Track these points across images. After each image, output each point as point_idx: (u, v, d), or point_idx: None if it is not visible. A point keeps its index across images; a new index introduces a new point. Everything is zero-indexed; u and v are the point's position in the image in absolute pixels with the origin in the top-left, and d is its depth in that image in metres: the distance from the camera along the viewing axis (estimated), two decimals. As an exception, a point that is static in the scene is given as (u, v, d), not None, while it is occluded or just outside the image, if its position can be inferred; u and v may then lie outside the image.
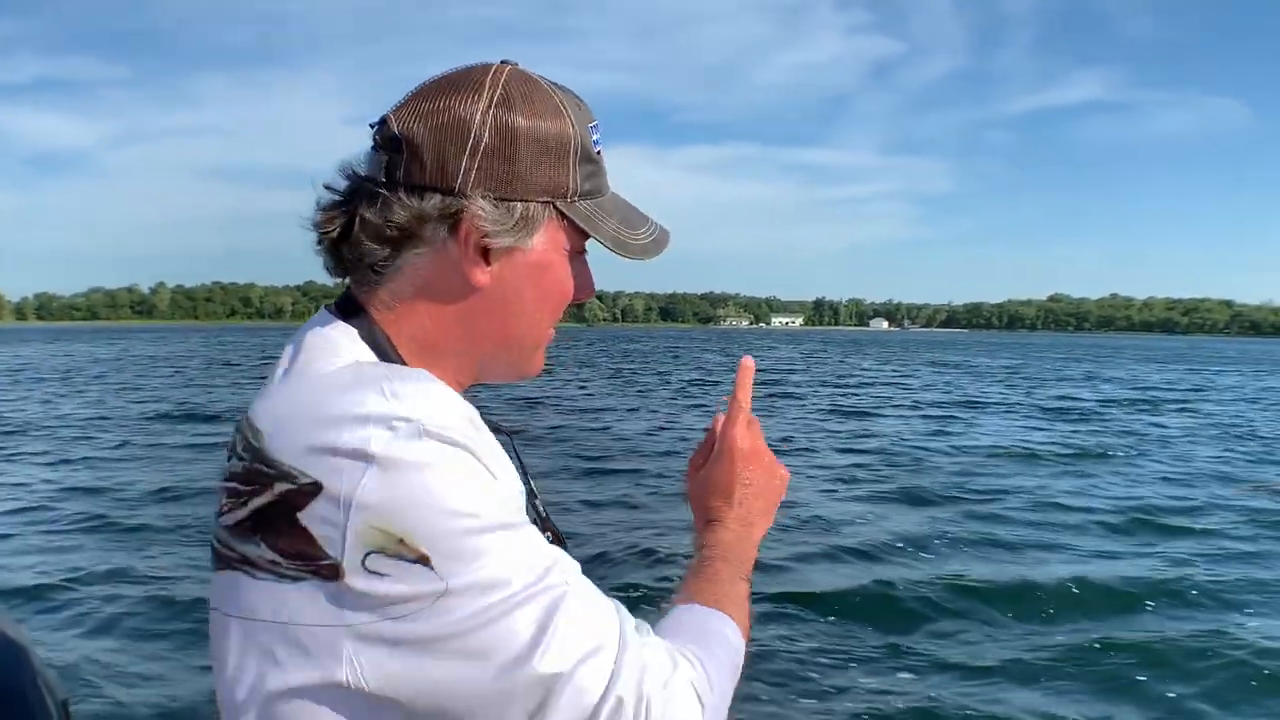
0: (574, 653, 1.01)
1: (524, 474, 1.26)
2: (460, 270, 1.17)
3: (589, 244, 1.27)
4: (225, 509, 1.07)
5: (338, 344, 1.17)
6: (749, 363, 1.48)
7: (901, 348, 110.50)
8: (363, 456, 0.99)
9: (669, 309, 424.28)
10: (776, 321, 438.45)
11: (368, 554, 0.98)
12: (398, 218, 1.14)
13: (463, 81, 1.17)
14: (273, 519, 1.02)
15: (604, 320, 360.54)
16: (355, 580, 0.98)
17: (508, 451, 1.17)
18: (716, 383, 38.78)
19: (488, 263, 1.18)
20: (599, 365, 51.64)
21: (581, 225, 1.21)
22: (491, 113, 1.14)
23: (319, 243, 1.21)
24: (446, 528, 0.99)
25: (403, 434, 1.00)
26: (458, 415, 1.06)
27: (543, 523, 1.30)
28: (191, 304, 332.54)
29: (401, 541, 0.98)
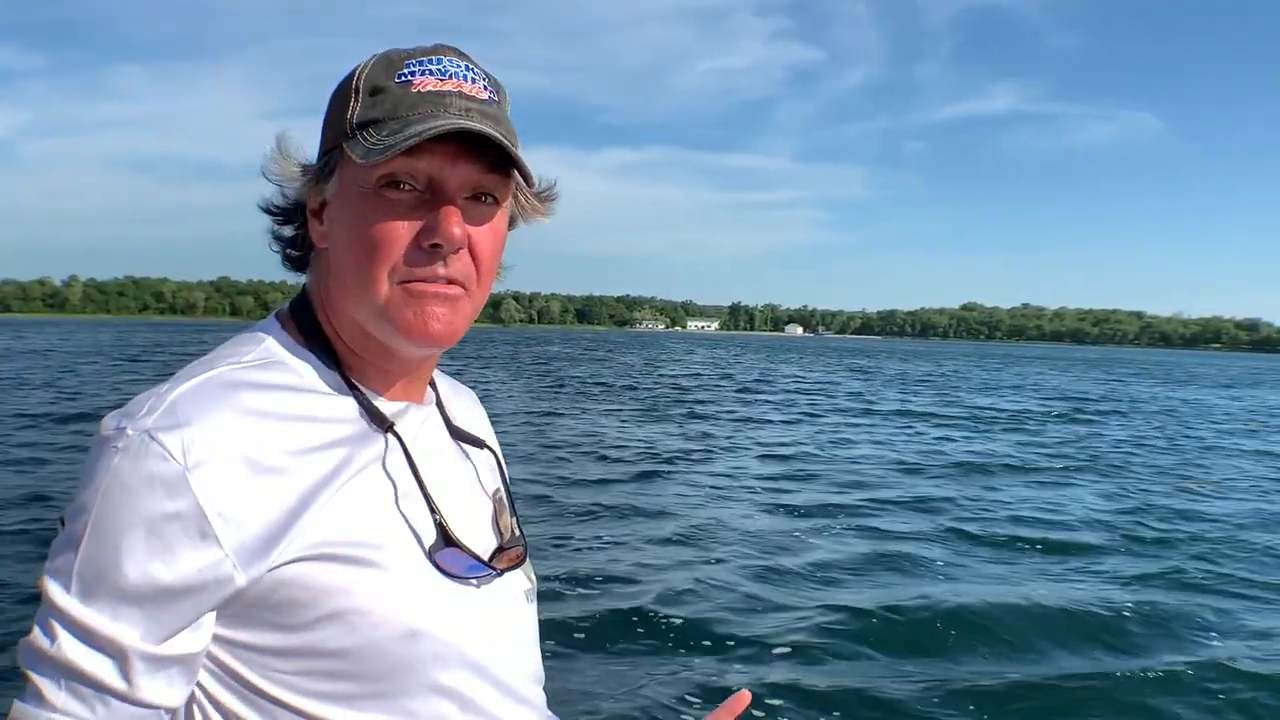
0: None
1: (504, 479, 1.42)
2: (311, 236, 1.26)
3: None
4: None
5: (252, 335, 1.25)
6: (746, 697, 1.45)
7: (816, 353, 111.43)
8: (99, 429, 1.09)
9: (585, 311, 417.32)
10: (692, 325, 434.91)
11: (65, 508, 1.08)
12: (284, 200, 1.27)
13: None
14: None
15: (520, 321, 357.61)
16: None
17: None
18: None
19: (320, 222, 1.24)
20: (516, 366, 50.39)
21: (351, 153, 1.17)
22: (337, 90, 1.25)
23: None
24: (77, 527, 1.05)
25: (115, 430, 1.07)
26: (198, 457, 1.05)
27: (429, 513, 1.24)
28: (104, 298, 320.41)
29: (70, 502, 1.07)
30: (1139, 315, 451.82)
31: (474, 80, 1.22)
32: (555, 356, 66.42)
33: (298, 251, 1.32)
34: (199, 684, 1.13)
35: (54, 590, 1.04)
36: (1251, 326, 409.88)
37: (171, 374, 1.17)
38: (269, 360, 1.20)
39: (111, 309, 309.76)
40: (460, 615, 1.22)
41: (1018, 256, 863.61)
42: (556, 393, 32.17)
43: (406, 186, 1.18)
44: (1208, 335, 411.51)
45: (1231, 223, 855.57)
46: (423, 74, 1.19)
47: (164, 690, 1.06)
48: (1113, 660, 7.39)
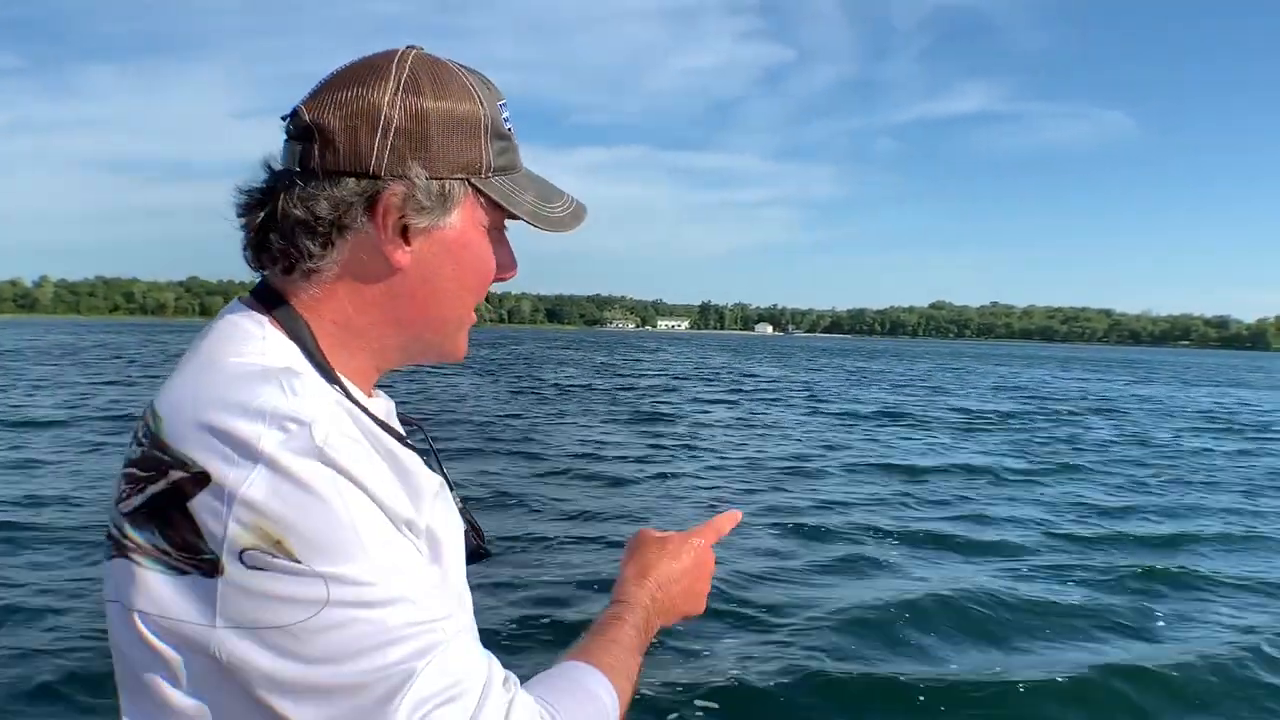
0: (434, 698, 1.01)
1: (440, 466, 1.30)
2: (381, 252, 1.17)
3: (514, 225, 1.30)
4: (124, 495, 1.06)
5: (248, 331, 1.16)
6: (738, 515, 1.62)
7: (788, 353, 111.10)
8: (252, 452, 0.99)
9: (556, 310, 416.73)
10: (663, 324, 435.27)
11: (244, 550, 0.98)
12: (321, 209, 1.14)
13: (370, 68, 1.18)
14: (165, 507, 1.01)
15: (490, 321, 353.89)
16: (233, 575, 0.98)
17: (424, 447, 1.24)
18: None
19: (408, 243, 1.18)
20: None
21: (498, 200, 1.21)
22: (400, 95, 1.15)
23: (245, 235, 1.21)
24: (328, 541, 0.98)
25: (295, 440, 1.00)
26: (351, 436, 1.05)
27: (460, 513, 1.30)
28: (75, 298, 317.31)
29: (279, 543, 0.97)
30: (1108, 313, 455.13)
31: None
32: (529, 357, 65.88)
33: (278, 245, 1.17)
34: (227, 694, 1.03)
35: (387, 614, 1.00)
36: (1221, 323, 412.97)
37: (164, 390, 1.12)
38: (294, 369, 1.13)
39: (82, 309, 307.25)
40: (469, 612, 1.25)
41: (987, 255, 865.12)
42: (531, 394, 32.01)
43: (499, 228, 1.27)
44: (1177, 332, 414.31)
45: (1201, 220, 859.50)
46: (510, 123, 1.25)
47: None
48: (1012, 656, 7.48)
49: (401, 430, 1.25)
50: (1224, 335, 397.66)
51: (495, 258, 1.25)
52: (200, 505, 0.99)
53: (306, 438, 1.00)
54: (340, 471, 1.00)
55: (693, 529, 1.55)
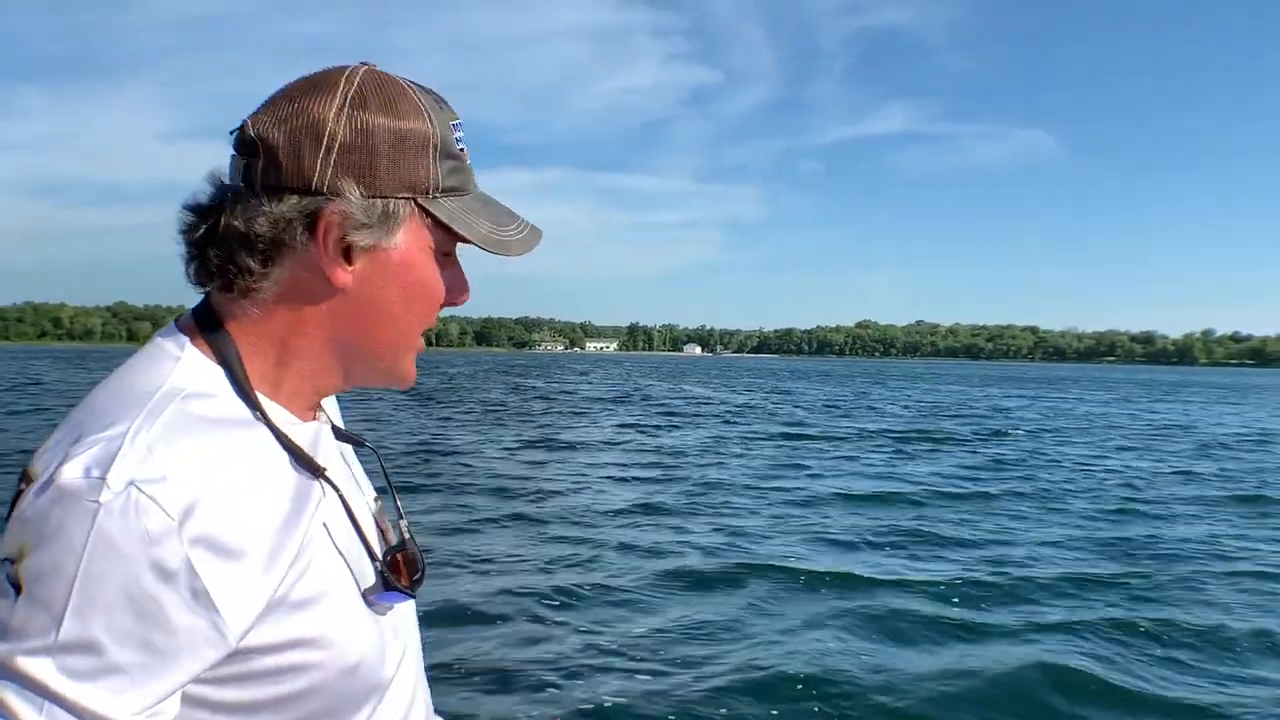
0: None
1: (390, 488, 1.36)
2: (321, 272, 1.15)
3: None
4: None
5: (165, 353, 1.15)
6: None
7: (720, 371, 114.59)
8: (53, 478, 0.99)
9: (484, 333, 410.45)
10: (591, 346, 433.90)
11: (3, 559, 0.98)
12: (260, 226, 1.12)
13: (318, 83, 1.16)
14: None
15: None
16: None
17: (339, 479, 1.21)
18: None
19: (350, 262, 1.16)
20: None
21: (446, 222, 1.18)
22: (346, 111, 1.13)
23: (186, 251, 1.18)
24: (46, 594, 0.95)
25: (87, 486, 0.97)
26: (164, 515, 0.98)
27: (398, 545, 1.29)
28: (4, 324, 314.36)
29: (17, 561, 0.96)
30: (1033, 330, 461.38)
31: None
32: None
33: (216, 260, 1.15)
34: None
35: (35, 669, 0.94)
36: (1146, 339, 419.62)
37: (79, 401, 1.12)
38: (204, 392, 1.12)
39: (10, 335, 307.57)
40: (381, 642, 1.22)
41: (912, 274, 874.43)
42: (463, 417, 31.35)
43: (449, 252, 1.23)
44: (1102, 348, 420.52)
45: (1124, 238, 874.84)
46: (462, 143, 1.22)
47: None
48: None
49: (327, 459, 1.21)
50: (1150, 351, 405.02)
51: (444, 281, 1.22)
52: (15, 510, 1.01)
53: (95, 488, 0.97)
54: (104, 537, 0.96)
55: None
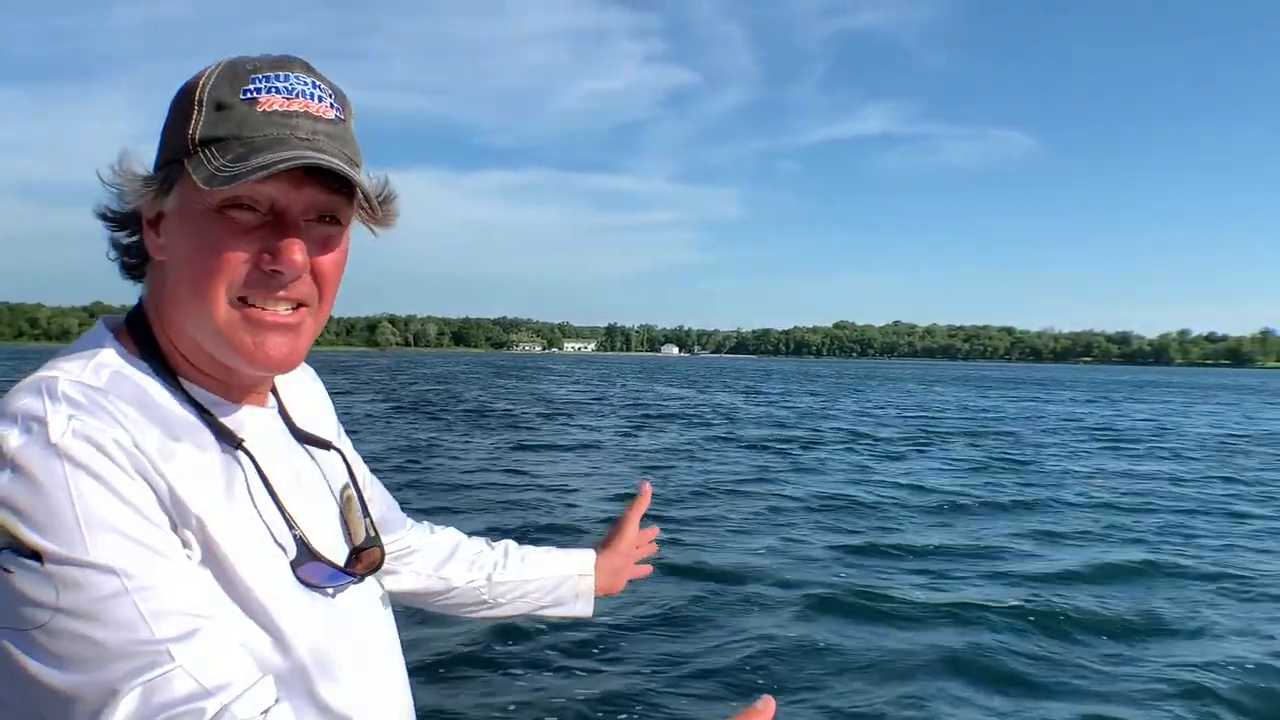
0: (154, 715, 0.98)
1: (354, 482, 1.42)
2: (147, 247, 1.23)
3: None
4: None
5: (83, 343, 1.20)
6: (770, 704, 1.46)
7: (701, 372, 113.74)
8: (1, 453, 1.02)
9: (462, 334, 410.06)
10: (569, 347, 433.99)
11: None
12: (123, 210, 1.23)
13: None
14: None
15: (396, 345, 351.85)
16: None
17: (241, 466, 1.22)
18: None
19: (158, 234, 1.21)
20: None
21: (190, 171, 1.15)
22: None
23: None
24: (56, 535, 0.98)
25: (33, 437, 1.02)
26: (98, 430, 1.05)
27: (369, 542, 1.36)
28: None
29: (15, 538, 0.98)
30: (1010, 330, 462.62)
31: (320, 99, 1.22)
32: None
33: (134, 260, 1.28)
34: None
35: (106, 585, 0.99)
36: (1122, 339, 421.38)
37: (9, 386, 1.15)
38: (114, 370, 1.16)
39: None
40: (322, 624, 1.23)
41: (889, 275, 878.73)
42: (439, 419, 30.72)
43: (249, 208, 1.17)
44: (1078, 349, 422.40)
45: (1101, 239, 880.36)
46: (269, 91, 1.18)
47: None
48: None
49: (270, 446, 1.27)
50: (1126, 351, 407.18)
51: (238, 246, 1.17)
52: None
53: (43, 435, 1.01)
54: (76, 464, 1.01)
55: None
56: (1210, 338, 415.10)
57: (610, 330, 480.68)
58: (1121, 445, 25.36)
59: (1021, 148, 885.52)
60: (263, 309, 1.20)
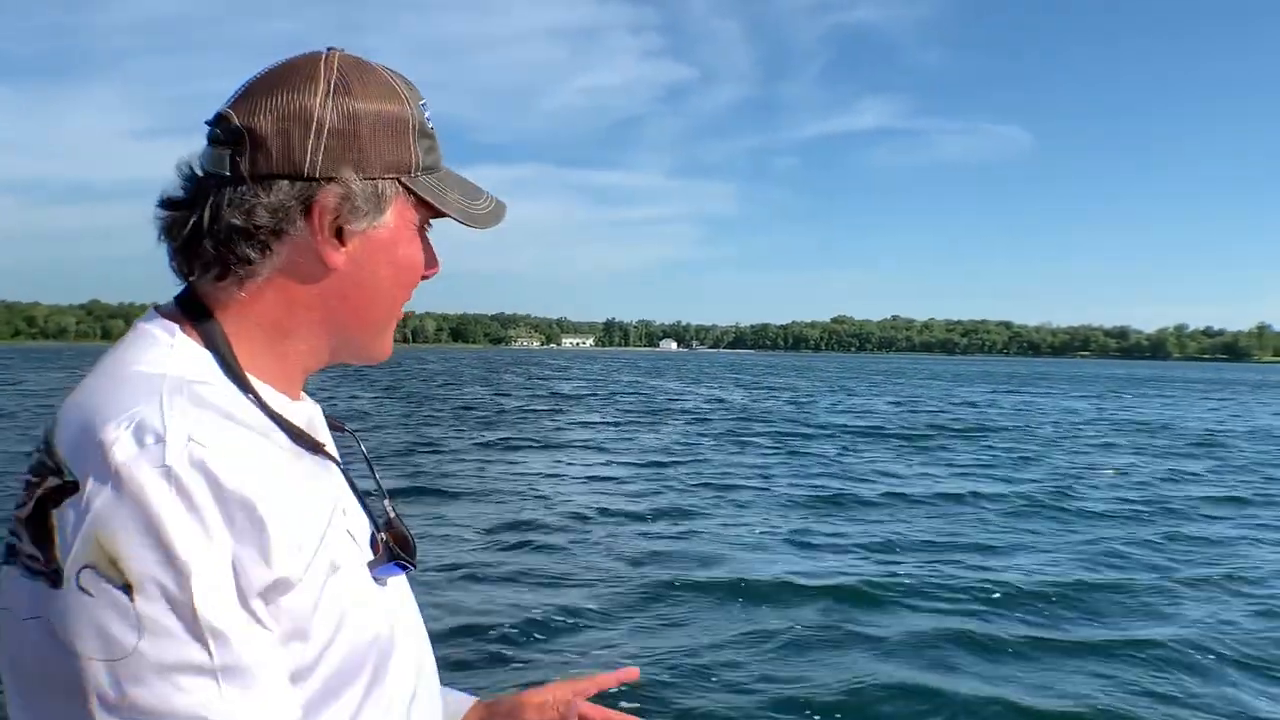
0: None
1: (372, 471, 1.36)
2: (316, 254, 1.18)
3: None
4: (22, 502, 1.03)
5: (155, 339, 1.15)
6: (634, 673, 1.59)
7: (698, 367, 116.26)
8: (108, 465, 0.97)
9: (460, 330, 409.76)
10: (568, 342, 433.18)
11: (82, 567, 0.96)
12: (260, 217, 1.14)
13: (297, 70, 1.19)
14: (41, 513, 1.00)
15: (394, 341, 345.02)
16: (68, 592, 0.96)
17: (336, 456, 1.24)
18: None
19: (343, 244, 1.19)
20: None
21: (428, 199, 1.22)
22: (331, 97, 1.17)
23: (170, 245, 1.19)
24: (155, 572, 0.95)
25: (146, 453, 0.98)
26: (223, 455, 1.01)
27: (390, 523, 1.31)
28: None
29: (114, 564, 0.95)
30: (1007, 325, 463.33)
31: None
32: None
33: (212, 252, 1.16)
34: None
35: (196, 670, 0.95)
36: (1120, 334, 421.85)
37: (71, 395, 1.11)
38: (203, 379, 1.12)
39: None
40: (385, 618, 1.24)
41: (887, 269, 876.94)
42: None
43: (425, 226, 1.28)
44: (1076, 343, 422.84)
45: (1098, 233, 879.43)
46: (430, 121, 1.26)
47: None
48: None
49: (321, 438, 1.25)
50: (1124, 346, 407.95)
51: (423, 253, 1.26)
52: (61, 513, 0.98)
53: (159, 454, 0.98)
54: (189, 499, 0.97)
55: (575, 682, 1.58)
56: (1208, 332, 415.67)
57: (608, 325, 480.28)
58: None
59: (1017, 142, 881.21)
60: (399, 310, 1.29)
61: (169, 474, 0.97)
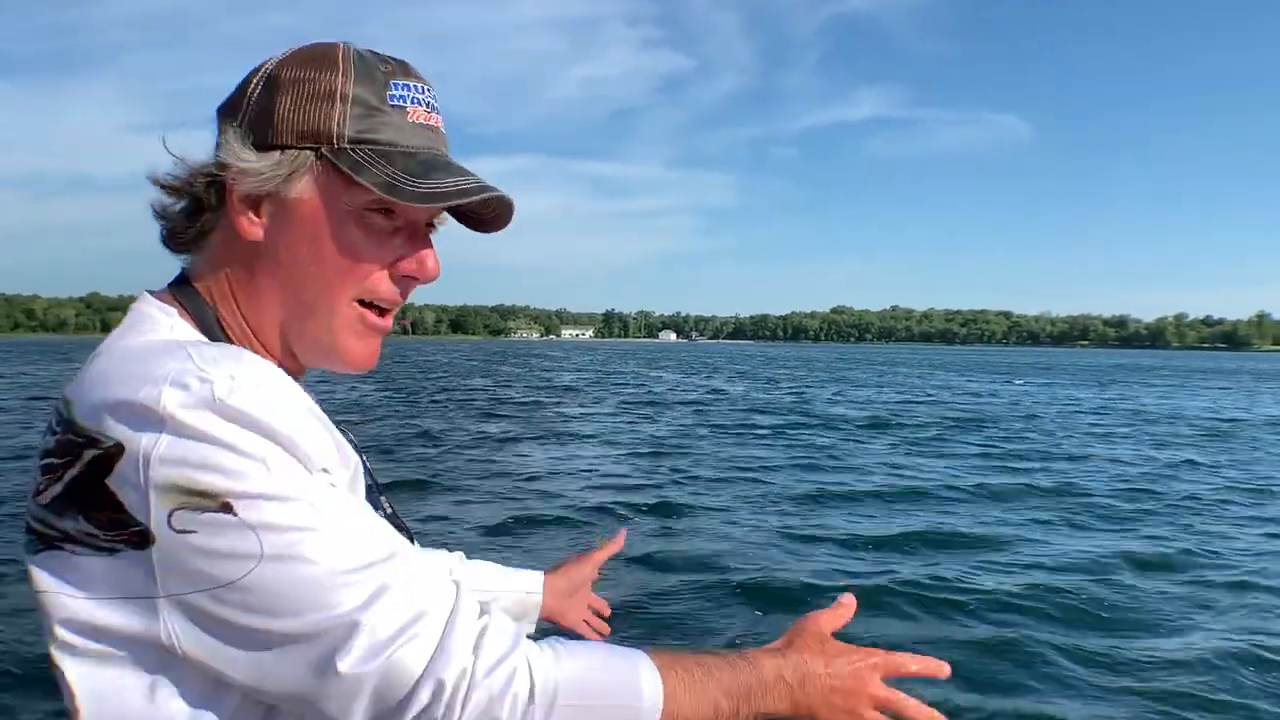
0: (390, 642, 0.99)
1: (367, 469, 1.27)
2: (235, 226, 1.16)
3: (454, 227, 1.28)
4: (42, 488, 1.04)
5: (153, 318, 1.16)
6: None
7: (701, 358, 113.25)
8: (157, 416, 0.98)
9: (459, 321, 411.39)
10: (567, 334, 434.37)
11: (171, 512, 0.96)
12: (173, 180, 1.17)
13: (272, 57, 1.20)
14: (86, 488, 1.00)
15: (393, 332, 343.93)
16: (164, 542, 0.97)
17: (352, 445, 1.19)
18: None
19: (258, 215, 1.16)
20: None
21: (346, 170, 1.14)
22: (266, 73, 1.16)
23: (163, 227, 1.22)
24: (247, 487, 0.97)
25: (195, 395, 0.99)
26: (263, 385, 1.03)
27: (390, 518, 1.29)
28: None
29: (203, 494, 0.97)
30: (1007, 314, 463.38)
31: (439, 112, 1.23)
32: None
33: (186, 229, 1.21)
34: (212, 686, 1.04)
35: (328, 537, 1.00)
36: (1119, 323, 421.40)
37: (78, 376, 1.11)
38: (202, 341, 1.14)
39: None
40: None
41: (886, 259, 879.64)
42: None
43: (387, 214, 1.17)
44: (1075, 332, 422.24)
45: (1097, 222, 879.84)
46: (413, 102, 1.19)
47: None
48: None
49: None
50: (1123, 335, 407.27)
51: (378, 249, 1.18)
52: (118, 478, 0.98)
53: (207, 393, 0.98)
54: (246, 420, 0.99)
55: (864, 649, 1.32)
56: (1207, 321, 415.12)
57: (608, 316, 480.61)
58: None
59: (1015, 132, 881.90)
60: (380, 313, 1.20)
61: (222, 406, 0.98)
